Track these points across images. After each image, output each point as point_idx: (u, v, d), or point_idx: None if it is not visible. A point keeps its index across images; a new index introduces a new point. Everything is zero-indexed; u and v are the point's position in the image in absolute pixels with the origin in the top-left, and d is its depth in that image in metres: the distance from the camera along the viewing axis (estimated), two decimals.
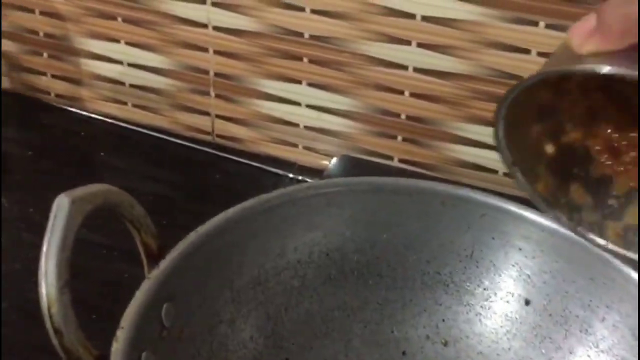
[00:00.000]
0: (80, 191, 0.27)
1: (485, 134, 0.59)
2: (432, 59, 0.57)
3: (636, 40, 0.25)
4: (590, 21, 0.26)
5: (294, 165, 0.67)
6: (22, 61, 0.75)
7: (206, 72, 0.67)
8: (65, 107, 0.75)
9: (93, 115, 0.74)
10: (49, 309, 0.25)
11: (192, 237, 0.32)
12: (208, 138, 0.71)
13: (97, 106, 0.74)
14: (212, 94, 0.68)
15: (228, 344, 0.34)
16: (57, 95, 0.76)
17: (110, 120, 0.73)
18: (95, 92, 0.73)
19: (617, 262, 0.34)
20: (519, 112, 0.30)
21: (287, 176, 0.65)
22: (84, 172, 0.65)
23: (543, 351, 0.37)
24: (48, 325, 0.25)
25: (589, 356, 0.35)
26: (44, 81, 0.75)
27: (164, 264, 0.31)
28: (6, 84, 0.77)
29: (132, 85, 0.71)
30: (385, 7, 0.56)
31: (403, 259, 0.39)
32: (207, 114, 0.69)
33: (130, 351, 0.27)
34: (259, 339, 0.36)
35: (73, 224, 0.26)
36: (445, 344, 0.39)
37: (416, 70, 0.58)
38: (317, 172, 0.65)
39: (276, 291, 0.37)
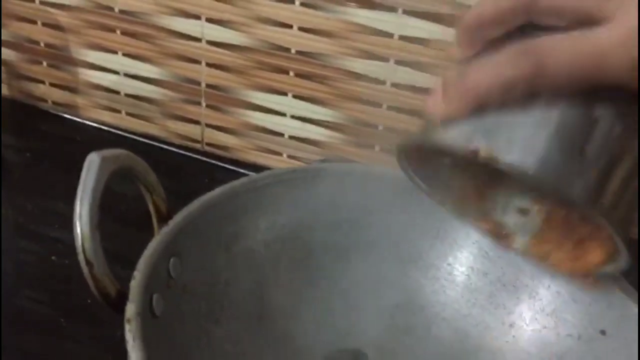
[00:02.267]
0: (108, 152, 0.32)
1: None
2: (409, 75, 0.62)
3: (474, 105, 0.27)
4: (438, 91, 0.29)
5: None
6: (21, 69, 0.79)
7: (198, 83, 0.72)
8: (62, 114, 0.79)
9: (88, 123, 0.78)
10: (82, 244, 0.30)
11: (195, 204, 0.37)
12: (198, 146, 0.75)
13: (92, 114, 0.78)
14: (203, 104, 0.73)
15: (224, 301, 0.39)
16: (55, 103, 0.80)
17: (104, 128, 0.77)
18: (91, 101, 0.78)
19: None
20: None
21: None
22: (77, 177, 0.68)
23: (497, 316, 0.42)
24: (81, 257, 0.30)
25: (536, 319, 0.41)
26: (42, 89, 0.79)
27: (172, 222, 0.35)
28: (5, 91, 0.81)
29: (127, 95, 0.76)
30: (366, 26, 0.62)
31: (378, 238, 0.44)
32: (197, 122, 0.74)
33: (144, 290, 0.31)
34: (250, 300, 0.41)
35: (102, 176, 0.31)
36: (414, 312, 0.44)
37: (394, 85, 0.64)
38: None
39: (266, 261, 0.42)
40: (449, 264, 0.44)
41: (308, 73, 0.66)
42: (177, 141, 0.76)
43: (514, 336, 0.41)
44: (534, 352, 0.39)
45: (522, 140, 0.27)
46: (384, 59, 0.63)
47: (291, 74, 0.67)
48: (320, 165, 0.43)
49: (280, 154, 0.72)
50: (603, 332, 0.37)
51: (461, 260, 0.44)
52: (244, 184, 0.40)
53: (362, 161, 0.69)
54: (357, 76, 0.65)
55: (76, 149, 0.73)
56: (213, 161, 0.73)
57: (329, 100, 0.67)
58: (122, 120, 0.77)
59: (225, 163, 0.73)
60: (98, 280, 0.30)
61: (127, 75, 0.74)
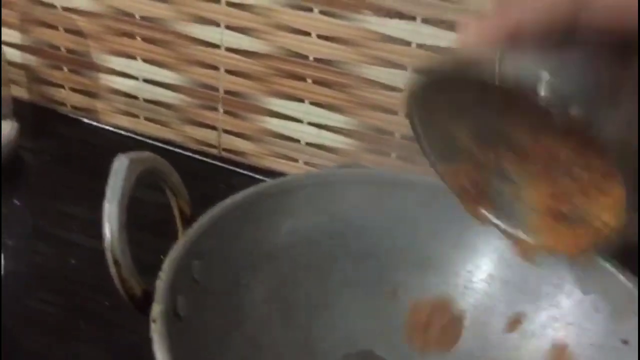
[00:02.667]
0: (135, 154, 0.33)
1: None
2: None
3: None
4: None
5: None
6: (42, 74, 0.80)
7: (216, 89, 0.72)
8: (81, 118, 0.80)
9: (107, 127, 0.79)
10: (111, 243, 0.30)
11: (218, 207, 0.38)
12: (214, 151, 0.76)
13: (111, 118, 0.79)
14: (221, 109, 0.73)
15: (245, 304, 0.39)
16: (74, 107, 0.80)
17: (122, 132, 0.78)
18: (110, 105, 0.78)
19: None
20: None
21: None
22: (97, 180, 0.69)
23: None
24: (109, 257, 0.30)
25: (556, 328, 0.41)
26: (62, 94, 0.80)
27: (196, 225, 0.36)
28: (25, 95, 0.82)
29: (145, 100, 0.76)
30: (384, 34, 0.62)
31: (398, 245, 0.45)
32: (214, 128, 0.75)
33: (170, 291, 0.32)
34: (271, 303, 0.41)
35: (130, 177, 0.31)
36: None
37: None
38: None
39: (286, 265, 0.42)
40: (468, 271, 0.44)
41: (325, 80, 0.66)
42: (194, 146, 0.76)
43: (535, 345, 0.41)
44: None
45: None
46: (401, 66, 0.63)
47: (309, 80, 0.67)
48: (344, 170, 0.43)
49: (296, 160, 0.73)
50: (625, 342, 0.36)
51: (481, 267, 0.44)
52: (266, 188, 0.41)
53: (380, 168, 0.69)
54: (375, 84, 0.65)
55: (95, 153, 0.74)
56: (229, 167, 0.73)
57: (346, 108, 0.67)
58: (140, 125, 0.78)
59: (242, 169, 0.73)
60: (125, 280, 0.30)
61: (146, 80, 0.75)
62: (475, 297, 0.44)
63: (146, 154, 0.33)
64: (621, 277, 0.37)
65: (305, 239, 0.43)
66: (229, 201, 0.38)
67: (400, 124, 0.66)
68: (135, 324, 0.45)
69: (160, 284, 0.31)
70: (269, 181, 0.41)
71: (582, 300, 0.40)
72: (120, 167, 0.31)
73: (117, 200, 0.30)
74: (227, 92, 0.72)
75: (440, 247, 0.44)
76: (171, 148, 0.76)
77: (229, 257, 0.39)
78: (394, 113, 0.66)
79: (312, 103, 0.69)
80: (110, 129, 0.78)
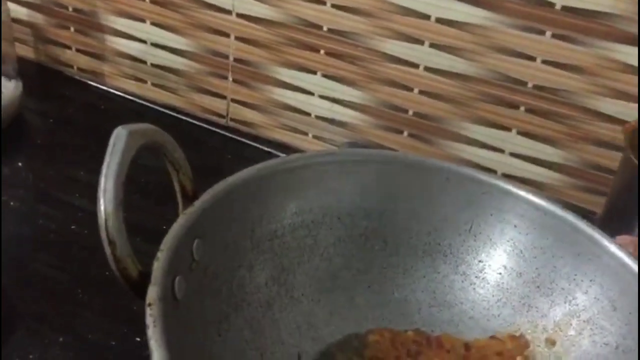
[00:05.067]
0: (135, 126, 0.31)
1: (487, 134, 0.63)
2: (442, 59, 0.60)
3: None
4: None
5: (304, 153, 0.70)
6: (49, 34, 0.78)
7: (226, 57, 0.70)
8: (87, 81, 0.78)
9: (112, 91, 0.77)
10: (105, 222, 0.28)
11: (221, 185, 0.36)
12: (222, 121, 0.74)
13: (117, 82, 0.77)
14: (230, 78, 0.71)
15: (245, 286, 0.38)
16: (80, 69, 0.79)
17: (129, 97, 0.76)
18: (117, 69, 0.76)
19: (602, 240, 0.38)
20: None
21: None
22: (101, 145, 0.68)
23: (530, 318, 0.40)
24: (104, 236, 0.28)
25: (571, 324, 0.39)
26: (68, 54, 0.78)
27: (198, 203, 0.34)
28: (31, 54, 0.80)
29: (153, 65, 0.74)
30: (402, 7, 0.59)
31: (407, 229, 0.43)
32: (223, 97, 0.73)
33: (167, 272, 0.30)
34: (272, 286, 0.39)
35: (128, 152, 0.29)
36: (441, 308, 0.42)
37: (427, 69, 0.62)
38: None
39: (291, 246, 0.40)
40: (480, 261, 0.42)
41: (339, 52, 0.64)
42: (202, 115, 0.74)
43: (546, 340, 0.39)
44: None
45: None
46: (419, 41, 0.61)
47: (322, 52, 0.65)
48: (353, 150, 0.41)
49: (306, 133, 0.71)
50: None
51: (494, 258, 0.42)
52: (273, 166, 0.39)
53: (390, 146, 0.67)
54: (390, 58, 0.62)
55: (100, 117, 0.72)
56: (237, 137, 0.72)
57: (359, 82, 0.65)
58: (147, 91, 0.76)
59: (249, 140, 0.71)
60: (119, 261, 0.29)
61: (154, 44, 0.73)
62: (485, 289, 0.42)
63: (147, 126, 0.31)
64: None
65: (311, 219, 0.41)
66: (232, 179, 0.37)
67: (414, 101, 0.64)
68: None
69: (158, 266, 0.29)
70: (275, 159, 0.39)
71: (599, 298, 0.38)
72: (118, 140, 0.29)
73: (114, 175, 0.29)
74: (237, 60, 0.70)
75: (451, 233, 0.43)
76: (178, 115, 0.74)
77: (231, 237, 0.37)
78: (409, 89, 0.64)
79: (324, 75, 0.66)
80: (117, 92, 0.77)
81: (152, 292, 0.28)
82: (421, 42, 0.60)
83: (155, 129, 0.32)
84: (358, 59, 0.64)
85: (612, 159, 0.59)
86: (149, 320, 0.27)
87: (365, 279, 0.42)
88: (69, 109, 0.73)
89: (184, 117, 0.74)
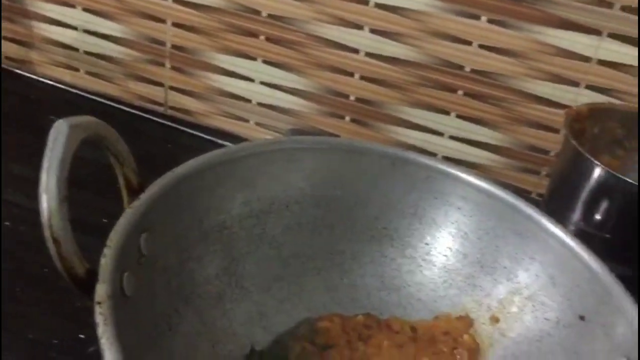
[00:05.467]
0: (76, 120, 0.30)
1: (427, 118, 0.64)
2: (382, 45, 0.61)
3: None
4: None
5: (245, 140, 0.69)
6: None
7: (162, 44, 0.68)
8: (17, 70, 0.75)
9: (44, 80, 0.74)
10: (49, 219, 0.27)
11: (167, 176, 0.35)
12: (160, 109, 0.72)
13: (48, 71, 0.74)
14: (168, 65, 0.70)
15: (195, 278, 0.37)
16: (9, 59, 0.75)
17: (61, 86, 0.73)
18: (47, 57, 0.74)
19: (541, 219, 0.39)
20: None
21: None
22: (34, 137, 0.65)
23: (474, 298, 0.42)
24: (47, 235, 0.27)
25: (514, 301, 0.40)
26: None
27: (144, 196, 0.33)
28: None
29: (86, 52, 0.72)
30: None
31: (354, 215, 0.43)
32: (160, 85, 0.71)
33: (115, 268, 0.29)
34: (222, 277, 0.39)
35: (70, 146, 0.28)
36: (389, 292, 0.43)
37: (367, 54, 0.62)
38: None
39: (240, 236, 0.40)
40: (426, 244, 0.43)
41: (279, 38, 0.64)
42: (139, 103, 0.73)
43: (490, 318, 0.41)
44: (511, 336, 0.39)
45: None
46: (358, 26, 0.61)
47: (261, 38, 0.64)
48: (298, 138, 0.41)
49: (247, 120, 0.70)
50: (582, 318, 0.36)
51: (439, 241, 0.43)
52: (219, 156, 0.38)
53: (332, 131, 0.67)
54: (331, 44, 0.63)
55: (32, 108, 0.69)
56: (176, 125, 0.70)
57: (300, 68, 0.65)
58: (81, 80, 0.73)
59: (190, 128, 0.70)
60: (65, 259, 0.28)
61: (86, 31, 0.70)
62: (432, 270, 0.43)
63: (88, 118, 0.30)
64: (583, 254, 0.37)
65: (260, 209, 0.41)
66: (179, 169, 0.36)
67: (355, 87, 0.64)
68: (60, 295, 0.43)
69: (105, 262, 0.29)
70: (221, 149, 0.39)
71: (540, 275, 0.39)
72: (59, 134, 0.28)
73: (56, 171, 0.28)
74: (174, 46, 0.68)
75: (397, 218, 0.43)
76: (114, 104, 0.72)
77: (180, 229, 0.36)
78: (350, 75, 0.64)
79: (265, 61, 0.66)
80: (48, 82, 0.74)
81: (101, 290, 0.27)
82: (361, 27, 0.61)
83: (97, 121, 0.31)
84: (298, 45, 0.63)
85: (547, 140, 0.61)
86: (99, 319, 0.26)
87: (315, 266, 0.43)
88: None
89: (120, 106, 0.72)
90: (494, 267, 0.41)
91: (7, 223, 0.53)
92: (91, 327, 0.35)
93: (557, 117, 0.59)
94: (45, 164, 0.27)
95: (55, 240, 0.27)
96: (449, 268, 0.43)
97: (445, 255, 0.43)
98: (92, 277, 0.28)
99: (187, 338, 0.35)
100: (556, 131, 0.60)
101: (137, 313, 0.31)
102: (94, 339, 0.37)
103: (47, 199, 0.27)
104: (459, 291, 0.42)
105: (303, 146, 0.41)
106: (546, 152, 0.62)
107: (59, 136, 0.28)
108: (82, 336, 0.43)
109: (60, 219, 0.27)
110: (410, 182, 0.41)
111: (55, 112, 0.69)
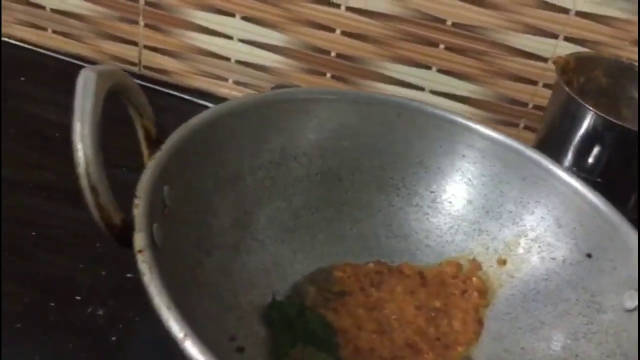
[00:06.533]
0: (103, 68, 0.29)
1: (408, 73, 0.64)
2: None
3: None
4: None
5: (224, 100, 0.68)
6: None
7: (136, 0, 0.66)
8: None
9: (7, 40, 0.71)
10: (86, 169, 0.26)
11: (184, 128, 0.35)
12: (134, 69, 0.70)
13: (12, 30, 0.71)
14: (141, 23, 0.67)
15: (213, 229, 0.37)
16: None
17: (27, 46, 0.70)
18: (11, 16, 0.70)
19: (546, 163, 0.41)
20: None
21: None
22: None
23: (481, 242, 0.43)
24: (84, 184, 0.27)
25: (519, 243, 0.42)
26: None
27: (165, 147, 0.33)
28: None
29: (53, 10, 0.69)
30: None
31: (361, 165, 0.44)
32: (134, 43, 0.69)
33: (147, 217, 0.29)
34: (237, 228, 0.39)
35: (100, 93, 0.27)
36: (398, 239, 0.44)
37: (348, 9, 0.62)
38: None
39: (252, 188, 0.40)
40: (432, 192, 0.44)
41: None
42: (112, 63, 0.70)
43: (497, 260, 0.42)
44: (518, 276, 0.41)
45: None
46: None
47: None
48: (309, 89, 0.41)
49: (225, 79, 0.69)
50: (589, 255, 0.38)
51: (445, 188, 0.44)
52: (230, 108, 0.38)
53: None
54: None
55: None
56: (152, 85, 0.68)
57: (279, 24, 0.64)
58: (49, 39, 0.70)
59: (166, 88, 0.68)
60: (103, 208, 0.27)
61: None
62: (438, 217, 0.44)
63: (112, 67, 0.30)
64: (588, 194, 0.38)
65: (269, 160, 0.41)
66: (194, 121, 0.35)
67: (336, 42, 0.64)
68: (55, 258, 0.42)
69: (139, 212, 0.28)
70: (231, 100, 0.38)
71: (545, 217, 0.41)
72: (88, 82, 0.27)
73: (89, 119, 0.27)
74: (148, 3, 0.66)
75: (403, 167, 0.44)
76: (85, 65, 0.69)
77: (196, 181, 0.36)
78: (331, 30, 0.63)
79: (243, 18, 0.65)
80: (12, 42, 0.70)
81: (140, 239, 0.27)
82: None
83: (121, 72, 0.30)
84: (277, 0, 0.62)
85: (525, 92, 0.63)
86: (144, 267, 0.26)
87: (325, 217, 0.43)
88: None
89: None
90: (499, 211, 0.42)
91: None
92: (86, 289, 0.34)
93: (536, 69, 0.61)
94: (77, 112, 0.26)
95: (93, 189, 0.26)
96: (454, 214, 0.44)
97: (451, 202, 0.44)
98: (127, 226, 0.28)
99: (211, 289, 0.35)
100: (534, 83, 0.62)
101: (167, 265, 0.31)
102: (90, 300, 0.36)
103: (83, 148, 0.26)
104: (466, 236, 0.43)
105: (311, 96, 0.41)
106: (524, 104, 0.63)
107: (88, 84, 0.27)
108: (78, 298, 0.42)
109: (98, 168, 0.26)
110: (416, 132, 0.42)
111: (21, 73, 0.67)
